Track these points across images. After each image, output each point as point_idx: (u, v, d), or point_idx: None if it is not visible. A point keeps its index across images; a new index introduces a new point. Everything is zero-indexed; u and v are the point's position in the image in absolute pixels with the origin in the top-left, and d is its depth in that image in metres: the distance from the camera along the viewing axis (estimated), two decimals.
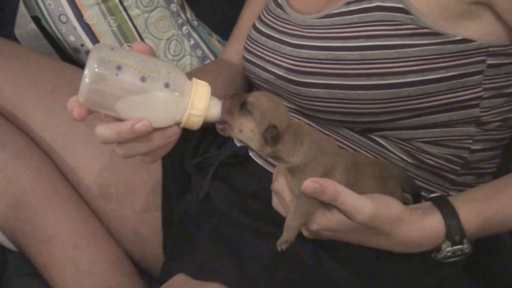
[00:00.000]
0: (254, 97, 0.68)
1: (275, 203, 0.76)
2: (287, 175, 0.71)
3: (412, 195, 0.81)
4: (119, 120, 0.66)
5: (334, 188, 0.68)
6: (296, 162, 0.68)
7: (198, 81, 0.67)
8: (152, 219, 0.97)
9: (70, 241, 0.93)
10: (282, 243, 0.71)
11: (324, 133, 0.86)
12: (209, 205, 0.89)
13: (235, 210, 0.86)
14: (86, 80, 0.62)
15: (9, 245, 0.99)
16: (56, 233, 0.93)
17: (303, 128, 0.69)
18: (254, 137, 0.67)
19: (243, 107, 0.66)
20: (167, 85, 0.63)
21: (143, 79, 0.63)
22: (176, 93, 0.64)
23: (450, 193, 0.86)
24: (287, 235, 0.71)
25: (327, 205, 0.70)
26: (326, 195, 0.68)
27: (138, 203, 0.97)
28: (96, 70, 0.62)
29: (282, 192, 0.73)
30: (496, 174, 0.90)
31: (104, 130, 0.66)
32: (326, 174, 0.68)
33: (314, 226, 0.72)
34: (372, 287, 0.78)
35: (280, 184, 0.73)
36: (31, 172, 0.95)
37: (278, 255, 0.74)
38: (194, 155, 0.99)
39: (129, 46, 1.18)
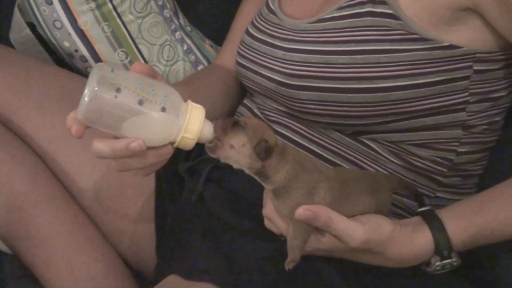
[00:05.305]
0: (245, 118, 0.70)
1: (267, 224, 0.77)
2: (273, 200, 0.72)
3: (411, 197, 0.82)
4: (116, 136, 0.67)
5: (327, 215, 0.69)
6: (280, 180, 0.69)
7: (194, 104, 0.68)
8: (145, 222, 0.98)
9: (64, 243, 0.93)
10: (288, 263, 0.72)
11: (315, 136, 0.87)
12: (202, 207, 0.90)
13: (227, 212, 0.87)
14: (86, 99, 0.63)
15: (3, 247, 0.99)
16: (50, 235, 0.93)
17: (288, 148, 0.71)
18: (245, 152, 0.68)
19: (236, 125, 0.68)
20: (163, 109, 0.65)
21: (140, 102, 0.64)
22: (172, 116, 0.66)
23: (437, 194, 0.88)
24: (292, 255, 0.72)
25: (319, 228, 0.71)
26: (319, 222, 0.69)
27: (131, 206, 0.98)
28: (96, 90, 0.63)
29: (272, 217, 0.74)
30: (483, 176, 0.92)
31: (100, 146, 0.67)
32: (310, 192, 0.69)
33: (307, 248, 0.73)
34: (361, 285, 0.79)
35: (269, 210, 0.74)
36: (25, 175, 0.95)
37: (269, 255, 0.75)
38: (187, 159, 1.00)
39: (122, 51, 1.19)
